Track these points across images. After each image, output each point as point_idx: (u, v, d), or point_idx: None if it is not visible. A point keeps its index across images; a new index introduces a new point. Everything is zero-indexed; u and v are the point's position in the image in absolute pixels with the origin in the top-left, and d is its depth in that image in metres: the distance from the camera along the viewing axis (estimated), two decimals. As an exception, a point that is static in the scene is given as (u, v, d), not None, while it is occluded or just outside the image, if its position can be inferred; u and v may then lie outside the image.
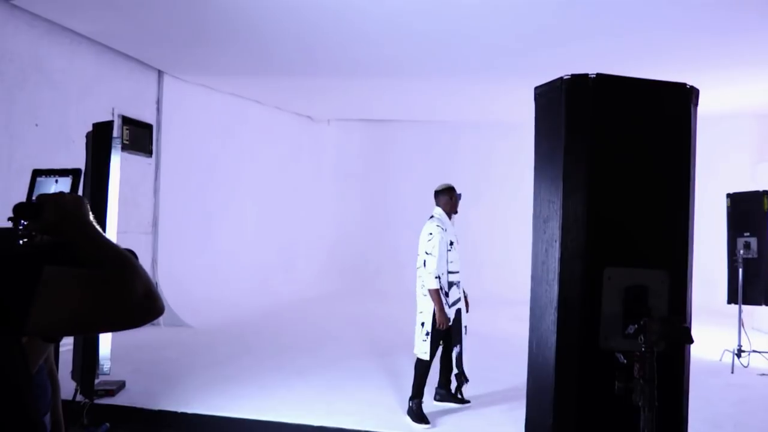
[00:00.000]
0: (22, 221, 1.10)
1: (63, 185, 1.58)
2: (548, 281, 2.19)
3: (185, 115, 8.95)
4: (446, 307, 4.47)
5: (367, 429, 4.25)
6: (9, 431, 1.01)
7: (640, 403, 1.87)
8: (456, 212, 4.72)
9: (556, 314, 2.15)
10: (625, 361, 1.97)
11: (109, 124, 4.16)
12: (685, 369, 2.24)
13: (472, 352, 4.84)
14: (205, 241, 9.21)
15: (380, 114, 11.82)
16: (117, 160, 3.97)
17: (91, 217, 1.11)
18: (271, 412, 4.52)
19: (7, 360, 1.01)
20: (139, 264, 1.08)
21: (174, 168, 8.70)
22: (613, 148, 2.18)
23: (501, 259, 10.98)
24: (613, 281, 2.10)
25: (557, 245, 2.15)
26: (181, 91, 8.83)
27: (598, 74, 2.13)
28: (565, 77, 2.16)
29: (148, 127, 8.31)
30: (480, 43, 7.03)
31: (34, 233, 1.11)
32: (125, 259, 1.04)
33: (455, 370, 4.70)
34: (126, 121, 7.75)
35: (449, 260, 4.53)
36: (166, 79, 8.57)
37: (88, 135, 4.43)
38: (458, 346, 4.65)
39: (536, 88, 2.40)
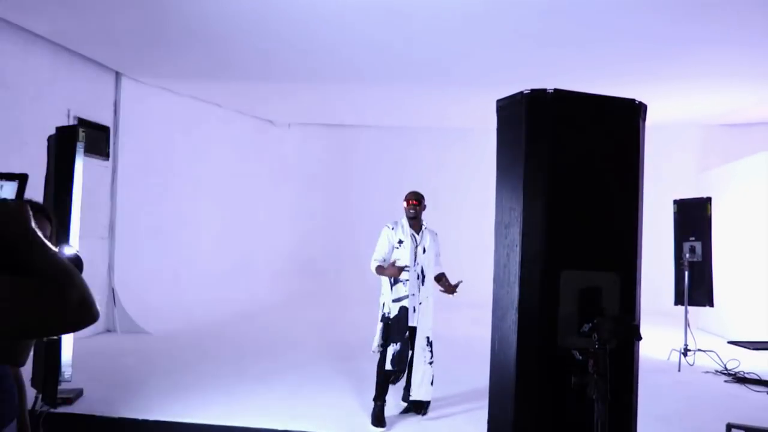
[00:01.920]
0: None
1: (8, 190, 1.54)
2: (509, 284, 2.31)
3: (143, 117, 8.79)
4: (390, 295, 4.63)
5: (328, 432, 4.30)
6: None
7: (594, 397, 2.00)
8: (409, 215, 4.81)
9: (516, 314, 2.27)
10: (581, 357, 2.10)
11: (74, 129, 4.10)
12: (635, 365, 2.39)
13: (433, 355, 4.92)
14: (162, 246, 9.06)
15: (341, 118, 11.89)
16: (80, 165, 3.92)
17: (33, 224, 1.12)
18: (233, 417, 4.51)
19: None
20: (77, 272, 1.09)
21: (131, 171, 8.53)
22: (569, 159, 2.32)
23: (460, 264, 11.13)
24: (569, 283, 2.24)
25: (518, 250, 2.27)
26: (139, 93, 8.68)
27: (555, 89, 2.26)
28: (525, 92, 2.29)
29: (104, 130, 8.14)
30: (438, 52, 7.19)
31: None
32: (62, 267, 1.05)
33: (391, 368, 4.56)
34: (82, 123, 7.56)
35: (397, 258, 4.68)
36: (124, 80, 8.42)
37: (50, 139, 4.34)
38: (398, 344, 4.54)
39: (498, 101, 2.51)
